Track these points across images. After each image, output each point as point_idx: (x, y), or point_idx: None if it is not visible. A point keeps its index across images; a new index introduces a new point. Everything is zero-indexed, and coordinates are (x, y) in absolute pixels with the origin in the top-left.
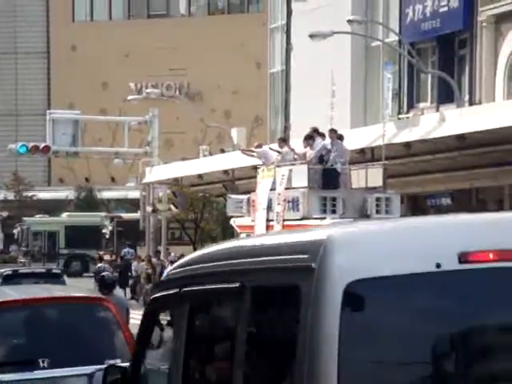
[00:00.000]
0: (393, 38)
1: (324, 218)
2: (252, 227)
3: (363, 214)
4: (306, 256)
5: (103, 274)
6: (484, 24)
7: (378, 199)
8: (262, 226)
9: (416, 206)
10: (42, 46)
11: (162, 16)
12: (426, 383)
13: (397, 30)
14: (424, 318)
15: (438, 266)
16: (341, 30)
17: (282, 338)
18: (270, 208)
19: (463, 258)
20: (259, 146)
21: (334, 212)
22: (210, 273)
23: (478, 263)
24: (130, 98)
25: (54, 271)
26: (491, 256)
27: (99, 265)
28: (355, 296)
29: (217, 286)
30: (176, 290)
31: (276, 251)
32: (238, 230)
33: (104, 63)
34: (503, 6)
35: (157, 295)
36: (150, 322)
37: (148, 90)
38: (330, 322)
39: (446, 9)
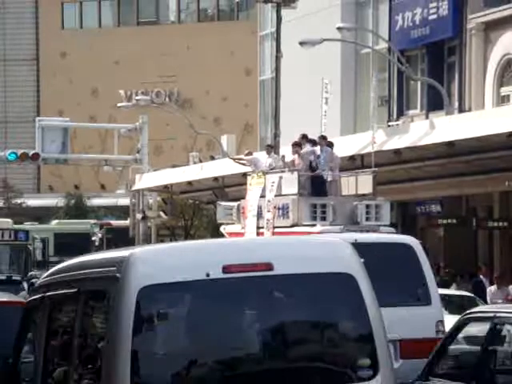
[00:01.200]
0: (382, 45)
1: (314, 225)
2: (242, 234)
3: (353, 222)
4: (114, 268)
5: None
6: (473, 31)
7: (367, 206)
8: (252, 233)
9: (406, 212)
10: (32, 53)
11: (151, 23)
12: (201, 369)
13: (386, 37)
14: (198, 315)
15: (208, 275)
16: (330, 37)
17: (99, 333)
18: (260, 215)
19: (226, 269)
20: (249, 153)
21: (324, 219)
22: (62, 281)
23: (237, 273)
24: (119, 105)
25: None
26: (247, 268)
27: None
28: (146, 297)
29: (64, 291)
30: (42, 295)
31: (98, 265)
32: (228, 237)
33: (94, 70)
34: (492, 13)
35: (30, 299)
36: (25, 321)
37: (138, 97)
38: (126, 317)
39: (435, 16)
